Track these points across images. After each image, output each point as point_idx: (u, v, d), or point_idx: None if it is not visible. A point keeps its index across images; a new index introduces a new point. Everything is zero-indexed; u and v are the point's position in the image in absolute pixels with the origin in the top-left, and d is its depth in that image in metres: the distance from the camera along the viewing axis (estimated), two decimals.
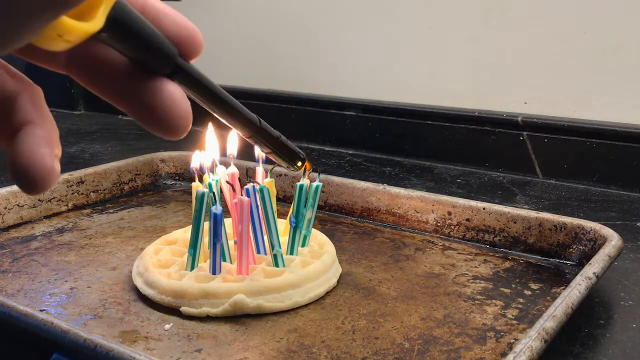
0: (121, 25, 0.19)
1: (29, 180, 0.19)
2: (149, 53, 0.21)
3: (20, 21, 0.16)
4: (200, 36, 0.23)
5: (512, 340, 0.41)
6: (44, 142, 0.20)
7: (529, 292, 0.48)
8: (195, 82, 0.23)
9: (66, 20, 0.17)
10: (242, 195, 0.46)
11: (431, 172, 0.83)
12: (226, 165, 0.51)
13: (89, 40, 0.18)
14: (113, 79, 0.21)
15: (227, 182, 0.49)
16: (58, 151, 0.20)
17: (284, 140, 0.34)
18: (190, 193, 0.63)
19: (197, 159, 0.52)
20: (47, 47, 0.17)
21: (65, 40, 0.17)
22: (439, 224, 0.59)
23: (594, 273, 0.43)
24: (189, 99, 0.22)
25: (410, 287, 0.48)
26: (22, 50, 0.20)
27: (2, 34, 0.16)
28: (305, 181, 0.50)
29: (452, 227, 0.58)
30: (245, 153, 0.60)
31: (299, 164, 0.37)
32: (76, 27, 0.17)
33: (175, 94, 0.21)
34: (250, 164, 0.67)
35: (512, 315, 0.44)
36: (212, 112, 0.25)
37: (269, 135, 0.31)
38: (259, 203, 0.47)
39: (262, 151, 0.33)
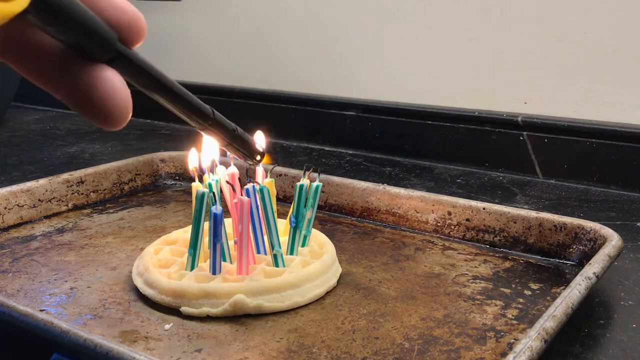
0: (49, 6, 0.18)
1: None
2: (83, 37, 0.20)
3: None
4: (142, 21, 0.22)
5: (512, 340, 0.41)
6: None
7: (529, 292, 0.48)
8: (137, 69, 0.22)
9: None
10: (242, 195, 0.46)
11: (431, 172, 0.83)
12: (226, 165, 0.51)
13: (15, 22, 0.17)
14: (48, 66, 0.20)
15: (227, 182, 0.48)
16: None
17: (240, 132, 0.32)
18: (190, 193, 0.63)
19: (194, 158, 0.52)
20: None
21: None
22: (439, 224, 0.59)
23: (594, 273, 0.43)
24: (139, 89, 0.22)
25: (410, 287, 0.48)
26: None
27: None
28: (305, 181, 0.50)
29: (452, 227, 0.58)
30: None
31: (257, 157, 0.36)
32: None
33: (113, 81, 0.21)
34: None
35: (512, 315, 0.44)
36: (161, 103, 0.24)
37: (223, 128, 0.30)
38: (259, 203, 0.47)
39: (218, 143, 0.32)
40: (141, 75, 0.22)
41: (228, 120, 0.30)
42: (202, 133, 0.29)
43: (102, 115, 0.21)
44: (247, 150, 0.35)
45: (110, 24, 0.21)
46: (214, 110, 0.28)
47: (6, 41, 0.20)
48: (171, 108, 0.25)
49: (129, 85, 0.22)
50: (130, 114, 0.21)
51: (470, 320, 0.43)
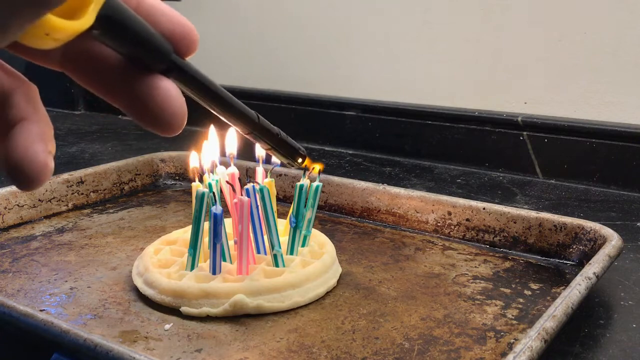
0: (113, 23, 0.19)
1: (23, 176, 0.19)
2: (142, 50, 0.21)
3: (1, 19, 0.16)
4: (195, 33, 0.22)
5: (512, 340, 0.41)
6: (38, 138, 0.20)
7: (529, 292, 0.48)
8: (191, 79, 0.23)
9: (53, 19, 0.17)
10: (242, 195, 0.46)
11: (431, 172, 0.83)
12: (226, 165, 0.51)
13: (80, 37, 0.18)
14: (108, 76, 0.21)
15: (227, 182, 0.49)
16: (52, 148, 0.20)
17: (284, 136, 0.33)
18: (190, 193, 0.63)
19: (195, 160, 0.52)
20: (34, 45, 0.17)
21: (53, 38, 0.17)
22: (439, 224, 0.59)
23: (594, 273, 0.43)
24: (186, 96, 0.22)
25: (410, 287, 0.48)
26: (12, 47, 0.20)
27: None
28: (305, 181, 0.50)
29: (452, 227, 0.58)
30: (245, 153, 0.60)
31: (299, 160, 0.37)
32: (63, 26, 0.17)
33: (169, 90, 0.21)
34: (250, 164, 0.67)
35: (512, 315, 0.44)
36: (209, 109, 0.25)
37: (267, 132, 0.31)
38: (259, 203, 0.47)
39: (262, 147, 0.33)
40: (194, 85, 0.23)
41: (272, 125, 0.31)
42: (247, 137, 0.30)
43: (160, 123, 0.21)
44: (289, 154, 0.35)
45: (166, 36, 0.22)
46: (259, 115, 0.29)
47: (66, 53, 0.21)
48: (219, 114, 0.26)
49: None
50: (185, 122, 0.22)
51: (470, 320, 0.43)
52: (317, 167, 0.49)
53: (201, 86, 0.24)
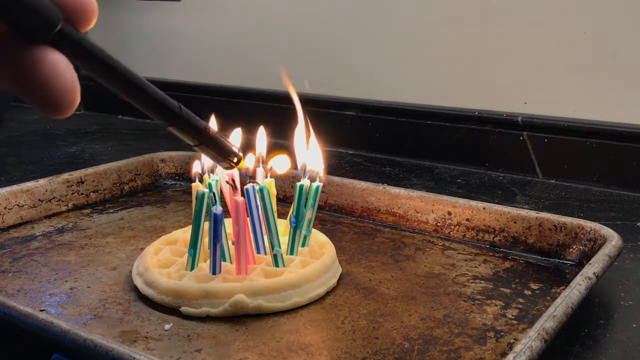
0: None
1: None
2: (20, 16, 0.18)
3: None
4: (92, 2, 0.20)
5: (512, 340, 0.41)
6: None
7: (529, 292, 0.48)
8: (86, 53, 0.20)
9: None
10: (242, 195, 0.46)
11: (431, 172, 0.83)
12: None
13: None
14: None
15: (227, 182, 0.48)
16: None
17: (213, 132, 0.30)
18: (190, 193, 0.63)
19: (198, 166, 0.52)
20: None
21: None
22: (439, 224, 0.59)
23: (594, 273, 0.43)
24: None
25: (410, 287, 0.48)
26: None
27: None
28: (305, 181, 0.50)
29: (452, 227, 0.58)
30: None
31: (235, 160, 0.33)
32: None
33: (57, 64, 0.19)
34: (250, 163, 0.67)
35: (512, 315, 0.44)
36: (117, 93, 0.22)
37: (192, 125, 0.27)
38: (259, 203, 0.47)
39: (189, 143, 0.29)
40: (90, 59, 0.21)
41: (198, 118, 0.28)
42: (169, 131, 0.27)
43: (45, 102, 0.19)
44: (220, 152, 0.31)
45: (56, 3, 0.19)
46: (181, 106, 0.26)
47: None
48: (129, 99, 0.23)
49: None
50: (78, 101, 0.20)
51: (470, 320, 0.43)
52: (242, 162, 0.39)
53: (99, 62, 0.21)
